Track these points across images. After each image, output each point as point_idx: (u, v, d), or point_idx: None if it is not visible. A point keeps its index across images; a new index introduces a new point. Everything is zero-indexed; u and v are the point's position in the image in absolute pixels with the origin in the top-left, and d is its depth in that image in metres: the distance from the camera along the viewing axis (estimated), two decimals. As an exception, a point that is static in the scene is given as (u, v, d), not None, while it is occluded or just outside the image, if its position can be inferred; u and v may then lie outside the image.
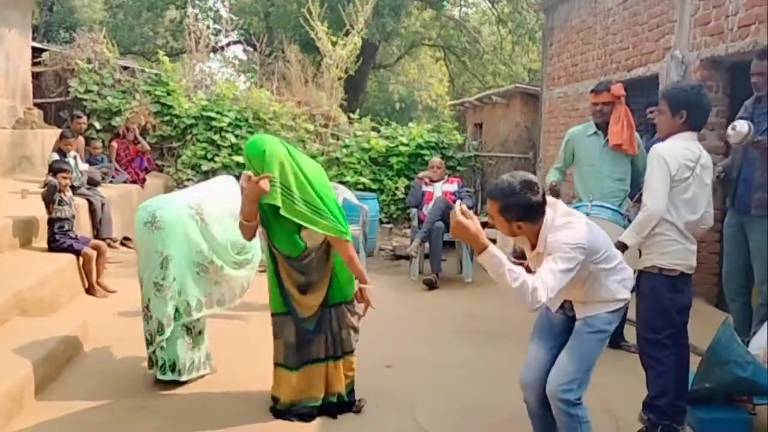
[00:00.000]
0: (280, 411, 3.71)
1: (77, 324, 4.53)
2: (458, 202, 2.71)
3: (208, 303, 4.10)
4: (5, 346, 3.91)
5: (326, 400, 3.76)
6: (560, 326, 3.03)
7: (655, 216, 3.34)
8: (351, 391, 3.85)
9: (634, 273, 3.63)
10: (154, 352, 3.97)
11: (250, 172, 3.45)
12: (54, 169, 6.01)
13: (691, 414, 3.65)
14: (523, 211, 2.71)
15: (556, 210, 2.81)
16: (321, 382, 3.74)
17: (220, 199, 4.23)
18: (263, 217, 3.58)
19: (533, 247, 2.85)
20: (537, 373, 2.97)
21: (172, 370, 4.01)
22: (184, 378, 4.05)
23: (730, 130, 4.06)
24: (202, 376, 4.18)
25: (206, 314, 4.15)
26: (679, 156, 3.34)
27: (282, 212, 3.45)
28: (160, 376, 3.99)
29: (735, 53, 5.54)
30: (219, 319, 5.41)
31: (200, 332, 4.19)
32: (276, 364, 3.77)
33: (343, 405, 3.80)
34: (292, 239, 3.60)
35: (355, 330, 3.83)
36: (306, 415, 3.68)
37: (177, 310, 3.96)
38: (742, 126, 4.00)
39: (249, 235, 3.66)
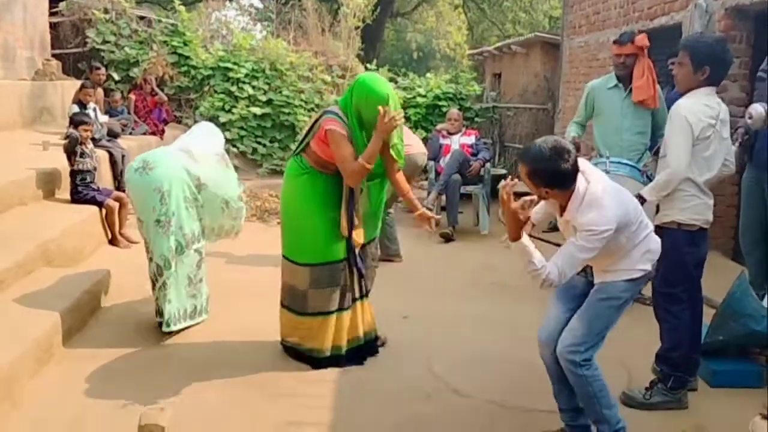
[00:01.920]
0: (335, 358, 3.82)
1: (101, 275, 4.64)
2: (506, 184, 2.71)
3: (193, 239, 4.24)
4: (33, 295, 4.03)
5: (365, 338, 3.95)
6: (580, 288, 3.05)
7: (677, 177, 3.33)
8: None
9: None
10: (157, 300, 4.13)
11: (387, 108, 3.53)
12: (75, 122, 6.06)
13: (704, 366, 3.70)
14: (551, 177, 2.70)
15: (589, 181, 2.77)
16: (359, 321, 3.92)
17: (204, 143, 4.46)
18: (359, 153, 3.64)
19: (563, 211, 2.86)
20: (552, 332, 3.01)
21: (184, 317, 4.19)
22: (185, 324, 4.21)
23: (747, 119, 4.02)
24: (199, 323, 4.33)
25: (199, 247, 4.30)
26: (701, 114, 3.30)
27: (393, 151, 3.69)
28: (165, 329, 4.09)
29: (760, 2, 5.43)
30: (230, 271, 5.56)
31: (201, 280, 4.33)
32: (323, 313, 3.80)
33: (372, 345, 3.99)
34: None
35: (375, 264, 4.04)
36: (357, 358, 3.88)
37: (179, 244, 4.13)
38: (757, 110, 3.95)
39: (360, 180, 3.71)
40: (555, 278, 2.72)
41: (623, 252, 2.88)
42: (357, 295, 3.91)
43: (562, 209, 2.85)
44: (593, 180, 2.78)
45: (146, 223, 4.13)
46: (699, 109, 3.31)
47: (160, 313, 4.13)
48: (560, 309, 3.06)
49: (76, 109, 7.30)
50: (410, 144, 5.63)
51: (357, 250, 3.85)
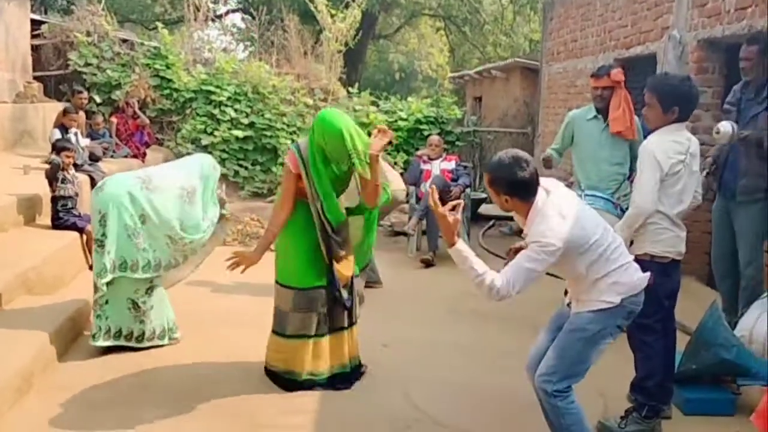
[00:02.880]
0: (310, 383, 3.91)
1: (82, 302, 4.64)
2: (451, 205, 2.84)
3: (133, 267, 4.28)
4: (13, 325, 4.02)
5: (350, 365, 4.04)
6: (566, 318, 3.11)
7: (643, 213, 3.42)
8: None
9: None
10: (94, 317, 4.26)
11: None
12: (57, 148, 6.08)
13: (678, 394, 3.78)
14: (508, 185, 2.83)
15: (549, 194, 2.85)
16: (345, 350, 4.01)
17: (173, 174, 4.54)
18: (319, 188, 3.77)
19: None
20: (536, 359, 3.08)
21: (117, 337, 4.29)
22: (131, 344, 4.32)
23: (714, 134, 4.16)
24: (158, 346, 4.42)
25: (146, 276, 4.33)
26: (670, 151, 3.40)
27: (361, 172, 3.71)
28: (93, 342, 4.23)
29: (731, 35, 5.58)
30: (211, 297, 5.58)
31: (152, 307, 4.38)
32: (301, 336, 3.90)
33: (356, 372, 4.05)
34: (339, 209, 3.86)
35: (362, 299, 4.09)
36: (343, 383, 3.96)
37: (110, 266, 4.20)
38: (725, 127, 4.10)
39: (377, 199, 3.84)
40: (503, 287, 2.71)
41: (589, 280, 2.90)
42: (345, 324, 3.99)
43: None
44: (553, 196, 2.85)
45: (94, 241, 4.34)
46: (668, 146, 3.41)
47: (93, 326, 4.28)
48: (545, 338, 3.12)
49: (57, 134, 7.31)
50: (390, 181, 5.83)
51: (340, 282, 3.90)
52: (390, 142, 3.74)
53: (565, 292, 3.26)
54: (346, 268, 3.94)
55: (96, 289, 4.25)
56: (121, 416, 3.52)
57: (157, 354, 4.33)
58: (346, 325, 4.01)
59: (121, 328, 4.30)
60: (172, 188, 4.43)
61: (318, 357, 3.94)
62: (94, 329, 4.24)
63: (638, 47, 7.23)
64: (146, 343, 4.37)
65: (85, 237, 5.78)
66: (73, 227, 5.73)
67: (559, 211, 2.80)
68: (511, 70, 12.51)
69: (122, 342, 4.31)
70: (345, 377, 4.01)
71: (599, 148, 5.07)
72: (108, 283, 4.21)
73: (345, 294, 3.94)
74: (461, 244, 2.78)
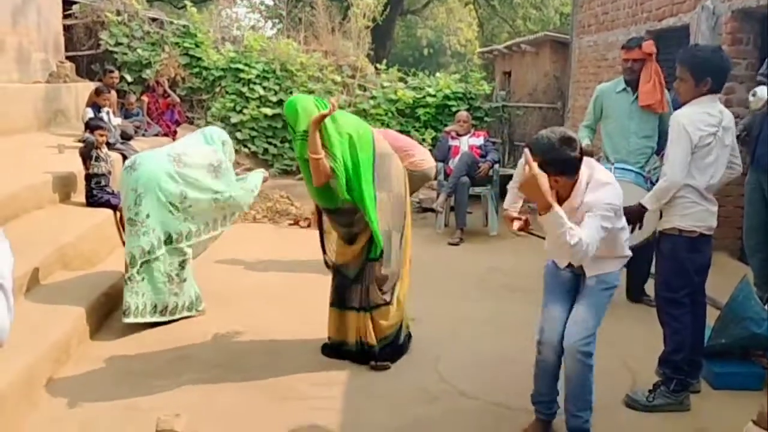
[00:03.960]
0: (326, 346, 4.15)
1: (117, 277, 4.74)
2: (529, 158, 2.75)
3: (179, 239, 4.44)
4: (51, 298, 4.14)
5: (358, 348, 4.05)
6: (569, 284, 3.18)
7: (674, 186, 3.38)
8: (383, 348, 4.01)
9: (655, 234, 3.72)
10: (127, 295, 4.30)
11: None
12: (91, 126, 6.18)
13: (707, 368, 3.77)
14: (561, 166, 2.82)
15: (593, 168, 2.93)
16: (353, 329, 4.02)
17: (198, 151, 4.63)
18: (303, 170, 3.93)
19: (562, 200, 2.92)
20: (559, 332, 3.09)
21: (153, 313, 4.39)
22: (166, 319, 4.44)
23: (750, 97, 4.07)
24: (187, 317, 4.55)
25: (181, 247, 4.46)
26: (701, 123, 3.35)
27: (296, 155, 3.84)
28: (126, 319, 4.26)
29: (766, 5, 5.45)
30: (241, 274, 5.66)
31: (185, 279, 4.52)
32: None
33: (366, 354, 4.00)
34: (325, 192, 3.88)
35: (380, 284, 3.98)
36: (340, 354, 4.06)
37: (151, 245, 4.32)
38: (762, 92, 4.00)
39: (320, 177, 3.76)
40: (591, 251, 2.75)
41: (617, 239, 3.03)
42: (355, 304, 4.01)
43: (562, 198, 2.92)
44: (597, 169, 2.96)
45: (126, 219, 4.43)
46: (699, 117, 3.36)
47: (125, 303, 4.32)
48: (560, 308, 3.15)
49: (90, 113, 7.43)
50: (424, 159, 6.14)
51: (332, 259, 4.10)
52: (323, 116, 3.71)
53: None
54: (345, 249, 4.02)
55: (128, 267, 4.30)
56: (154, 386, 3.62)
57: (188, 328, 4.43)
58: (356, 305, 4.00)
59: (156, 304, 4.40)
60: (201, 165, 4.54)
61: (330, 324, 4.12)
62: (131, 306, 4.27)
63: (671, 19, 7.09)
64: (177, 315, 4.50)
65: (118, 214, 5.88)
66: (107, 204, 5.85)
67: (610, 177, 2.96)
68: (540, 44, 12.33)
69: (157, 318, 4.40)
70: (347, 353, 4.05)
71: (628, 121, 5.01)
72: (144, 262, 4.30)
73: (350, 273, 3.98)
74: (558, 207, 2.71)
